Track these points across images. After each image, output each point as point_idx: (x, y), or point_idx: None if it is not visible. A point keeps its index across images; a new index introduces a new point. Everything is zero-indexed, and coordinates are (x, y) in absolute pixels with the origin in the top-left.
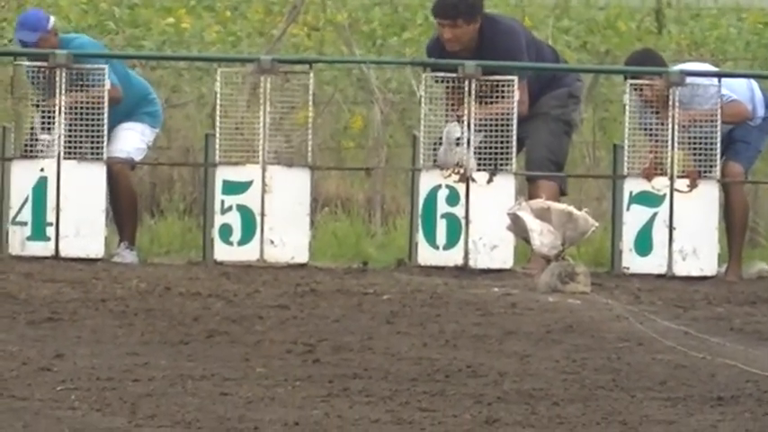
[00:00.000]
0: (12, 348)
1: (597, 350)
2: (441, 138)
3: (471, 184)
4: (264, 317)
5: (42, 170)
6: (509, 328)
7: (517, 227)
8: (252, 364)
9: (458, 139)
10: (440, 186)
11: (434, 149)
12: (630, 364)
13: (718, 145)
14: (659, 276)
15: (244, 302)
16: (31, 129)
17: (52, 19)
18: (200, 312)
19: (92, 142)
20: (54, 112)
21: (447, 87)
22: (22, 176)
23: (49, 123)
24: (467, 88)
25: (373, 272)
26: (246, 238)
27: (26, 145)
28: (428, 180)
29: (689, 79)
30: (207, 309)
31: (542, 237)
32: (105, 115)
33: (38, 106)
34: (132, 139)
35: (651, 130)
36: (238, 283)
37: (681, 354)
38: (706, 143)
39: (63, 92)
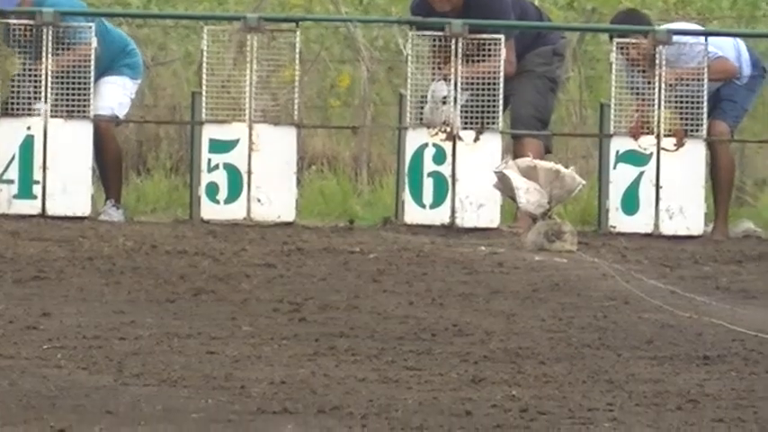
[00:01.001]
0: None
1: (584, 309)
2: (427, 96)
3: (458, 143)
4: (251, 275)
5: (29, 128)
6: (495, 286)
7: (504, 185)
8: (238, 322)
9: (444, 97)
10: (426, 145)
11: (421, 108)
12: (617, 323)
13: (705, 104)
14: (646, 235)
15: (230, 261)
16: (14, 87)
17: None
18: (187, 271)
19: (78, 100)
20: (42, 73)
21: (433, 46)
22: (9, 135)
23: (38, 89)
24: (453, 47)
25: (360, 230)
26: (233, 196)
27: (9, 103)
28: (414, 139)
29: (675, 38)
30: (193, 267)
31: (529, 195)
32: (92, 73)
33: (25, 68)
34: (115, 94)
35: (637, 88)
36: (225, 241)
37: (667, 313)
38: (692, 102)
39: (50, 51)
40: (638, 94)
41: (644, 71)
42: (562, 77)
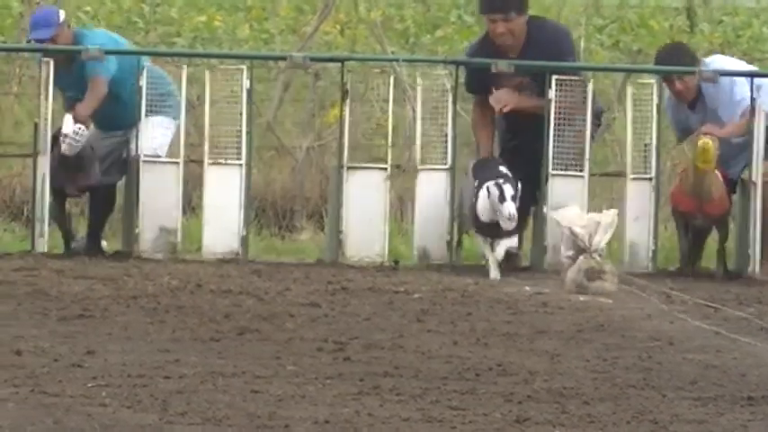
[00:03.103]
0: (43, 344)
1: (628, 349)
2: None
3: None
4: (295, 314)
5: None
6: (540, 326)
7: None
8: (282, 361)
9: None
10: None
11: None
12: (661, 364)
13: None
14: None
15: (274, 300)
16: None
17: (62, 12)
18: (231, 309)
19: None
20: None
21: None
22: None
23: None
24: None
25: (405, 270)
26: None
27: (54, 140)
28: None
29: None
30: (238, 306)
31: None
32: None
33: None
34: (163, 134)
35: (684, 129)
36: (269, 280)
37: (712, 353)
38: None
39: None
40: (684, 133)
41: (691, 108)
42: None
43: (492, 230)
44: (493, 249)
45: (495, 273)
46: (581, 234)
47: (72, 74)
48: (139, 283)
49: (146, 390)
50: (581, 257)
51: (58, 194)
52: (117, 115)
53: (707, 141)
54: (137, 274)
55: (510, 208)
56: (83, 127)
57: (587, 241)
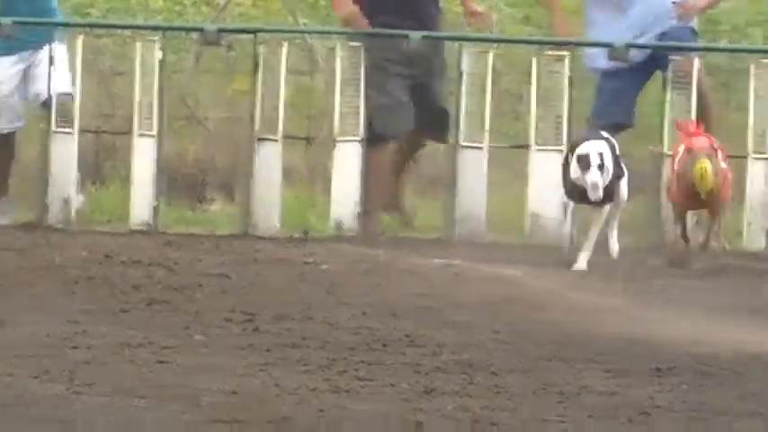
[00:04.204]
0: None
1: (539, 321)
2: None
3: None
4: (205, 285)
5: None
6: (450, 298)
7: None
8: (191, 332)
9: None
10: None
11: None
12: (572, 336)
13: None
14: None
15: (185, 271)
16: None
17: None
18: (142, 281)
19: None
20: None
21: None
22: None
23: None
24: None
25: (314, 241)
26: None
27: None
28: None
29: None
30: (148, 277)
31: None
32: None
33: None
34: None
35: None
36: (180, 251)
37: (622, 326)
38: None
39: None
40: None
41: None
42: None
43: (581, 195)
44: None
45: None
46: None
47: None
48: (48, 254)
49: (54, 360)
50: None
51: None
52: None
53: (704, 167)
54: (45, 244)
55: (594, 176)
56: None
57: None
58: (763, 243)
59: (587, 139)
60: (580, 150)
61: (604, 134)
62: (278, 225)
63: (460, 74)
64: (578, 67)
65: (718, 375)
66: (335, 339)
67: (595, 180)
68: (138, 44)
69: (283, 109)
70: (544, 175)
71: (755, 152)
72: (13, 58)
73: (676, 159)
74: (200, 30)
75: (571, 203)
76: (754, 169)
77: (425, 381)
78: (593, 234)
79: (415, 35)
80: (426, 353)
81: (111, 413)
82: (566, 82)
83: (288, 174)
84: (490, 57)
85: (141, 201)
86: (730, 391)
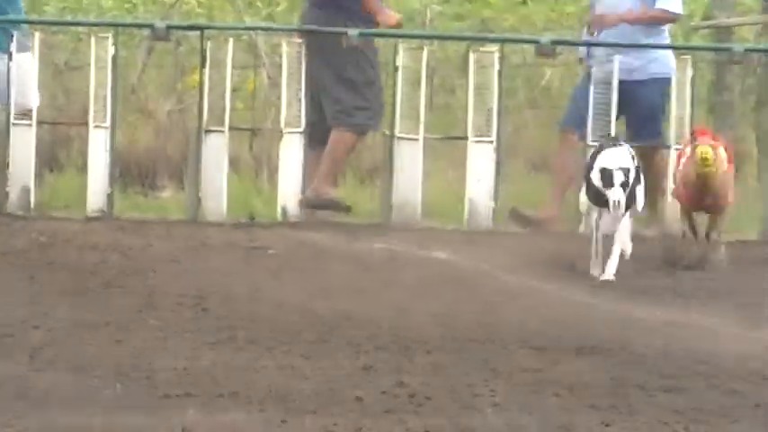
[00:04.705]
0: None
1: (472, 303)
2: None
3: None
4: (157, 269)
5: None
6: (388, 280)
7: None
8: (145, 314)
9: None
10: None
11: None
12: (503, 317)
13: None
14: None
15: (138, 256)
16: None
17: None
18: (98, 265)
19: None
20: None
21: None
22: None
23: None
24: None
25: (260, 226)
26: None
27: None
28: None
29: None
30: (104, 262)
31: None
32: None
33: None
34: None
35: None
36: (133, 236)
37: (550, 308)
38: None
39: None
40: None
41: None
42: None
43: (601, 199)
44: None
45: (604, 269)
46: None
47: None
48: (9, 240)
49: (15, 340)
50: None
51: None
52: None
53: (705, 150)
54: (5, 231)
55: (617, 194)
56: None
57: None
58: None
59: (610, 148)
60: (604, 164)
61: (623, 143)
62: (225, 212)
63: (396, 69)
64: (509, 62)
65: (639, 354)
66: (281, 320)
67: (618, 198)
68: (92, 40)
69: (229, 102)
70: (479, 164)
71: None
72: None
73: (682, 160)
74: (151, 26)
75: (594, 216)
76: None
77: (365, 359)
78: (618, 245)
79: (353, 32)
80: (365, 333)
81: (70, 390)
82: (496, 75)
83: (234, 163)
84: (425, 53)
85: (96, 189)
86: (651, 368)
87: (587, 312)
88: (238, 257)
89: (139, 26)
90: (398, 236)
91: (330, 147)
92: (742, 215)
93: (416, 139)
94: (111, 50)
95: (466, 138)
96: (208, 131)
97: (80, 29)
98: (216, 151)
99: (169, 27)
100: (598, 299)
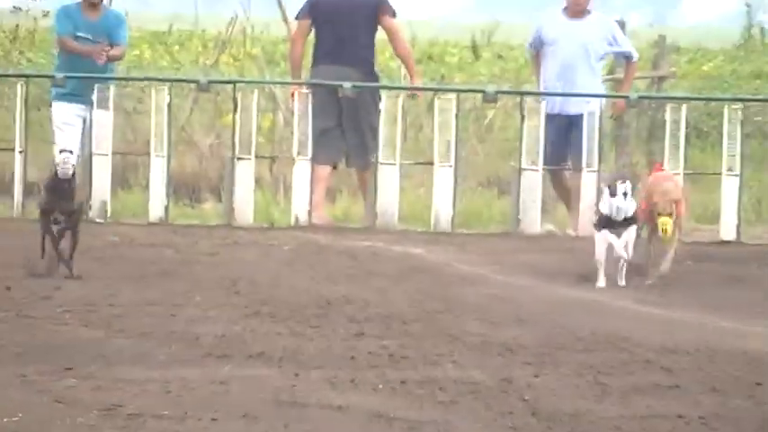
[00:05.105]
0: (24, 282)
1: (436, 286)
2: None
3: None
4: (201, 261)
5: None
6: (373, 269)
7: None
8: (192, 294)
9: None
10: None
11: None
12: (459, 296)
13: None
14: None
15: (186, 251)
16: None
17: None
18: (156, 257)
19: None
20: None
21: None
22: None
23: None
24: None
25: (277, 230)
26: None
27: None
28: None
29: None
30: (160, 255)
31: None
32: None
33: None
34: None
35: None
36: (182, 237)
37: (494, 288)
38: None
39: None
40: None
41: None
42: None
43: (608, 222)
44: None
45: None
46: None
47: None
48: (91, 240)
49: (95, 314)
50: None
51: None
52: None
53: (665, 222)
54: (88, 233)
55: (618, 201)
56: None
57: None
58: None
59: (616, 180)
60: (610, 184)
61: (626, 176)
62: (252, 219)
63: (379, 111)
64: (463, 107)
65: (560, 323)
66: (293, 299)
67: (619, 204)
68: (153, 91)
69: (255, 136)
70: (442, 183)
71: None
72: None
73: (645, 185)
74: (197, 82)
75: (603, 236)
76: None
77: (357, 327)
78: (626, 252)
79: (347, 85)
80: (357, 308)
81: (135, 352)
82: (453, 116)
83: (258, 182)
84: (400, 99)
85: (156, 202)
86: (570, 334)
87: (523, 292)
88: (261, 252)
89: (188, 81)
90: (380, 236)
91: (366, 184)
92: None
93: (394, 164)
94: (167, 99)
95: (432, 163)
96: (239, 159)
97: (143, 83)
98: (245, 173)
99: (210, 82)
100: (533, 282)
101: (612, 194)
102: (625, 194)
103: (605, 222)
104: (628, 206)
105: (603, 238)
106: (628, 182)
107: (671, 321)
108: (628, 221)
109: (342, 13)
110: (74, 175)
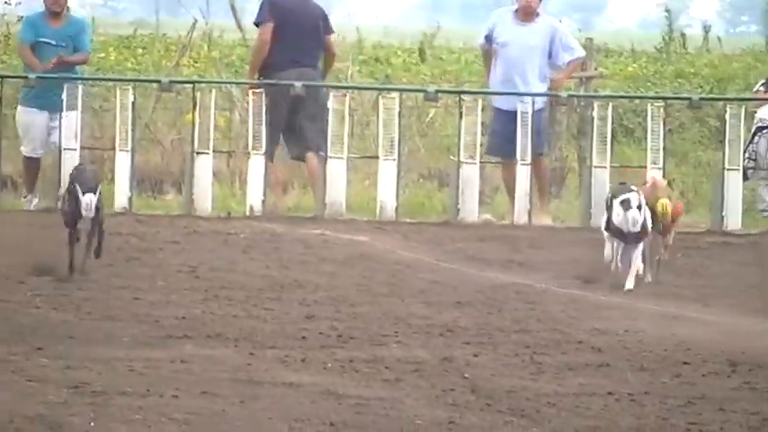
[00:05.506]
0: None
1: (381, 271)
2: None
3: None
4: (163, 248)
5: None
6: (323, 255)
7: None
8: (155, 279)
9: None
10: None
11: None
12: (402, 280)
13: None
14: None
15: (150, 239)
16: None
17: None
18: (122, 245)
19: None
20: None
21: None
22: None
23: None
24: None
25: (234, 219)
26: None
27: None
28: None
29: None
30: (127, 242)
31: None
32: None
33: None
34: None
35: None
36: (147, 226)
37: (435, 274)
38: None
39: None
40: None
41: None
42: None
43: (621, 234)
44: (621, 258)
45: (630, 282)
46: None
47: None
48: (58, 231)
49: (65, 298)
50: None
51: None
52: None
53: (664, 203)
54: (57, 223)
55: (633, 214)
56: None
57: None
58: None
59: (624, 191)
60: (622, 197)
61: (634, 187)
62: (210, 209)
63: (327, 109)
64: (406, 105)
65: (498, 306)
66: (249, 283)
67: (635, 216)
68: (118, 91)
69: (213, 133)
70: (386, 175)
71: None
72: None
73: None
74: (159, 81)
75: (615, 243)
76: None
77: (308, 310)
78: (635, 265)
79: (298, 84)
80: (308, 291)
81: (102, 332)
82: (397, 114)
83: (216, 175)
84: (347, 98)
85: (121, 194)
86: (506, 316)
87: (462, 277)
88: (220, 240)
89: (151, 81)
90: (330, 225)
91: (315, 177)
92: (565, 215)
93: (342, 158)
94: (131, 98)
95: (377, 157)
96: (198, 153)
97: (109, 83)
98: (204, 167)
99: (171, 82)
100: (471, 269)
101: (627, 208)
102: (639, 207)
103: (618, 234)
104: (643, 218)
105: (613, 245)
106: (641, 193)
107: (603, 305)
108: (640, 233)
109: (297, 13)
110: (98, 210)
